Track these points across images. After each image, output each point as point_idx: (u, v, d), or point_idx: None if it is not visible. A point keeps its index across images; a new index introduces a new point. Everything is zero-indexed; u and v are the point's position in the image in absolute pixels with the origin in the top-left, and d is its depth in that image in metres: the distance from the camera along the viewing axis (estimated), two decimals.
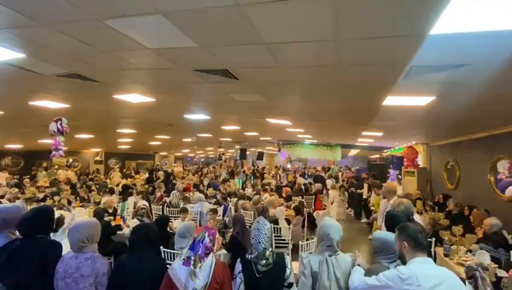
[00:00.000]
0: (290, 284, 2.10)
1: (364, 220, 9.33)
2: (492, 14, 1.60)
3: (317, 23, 1.84)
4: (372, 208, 7.84)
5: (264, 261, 2.04)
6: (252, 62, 2.68)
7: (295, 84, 3.45)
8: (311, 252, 4.06)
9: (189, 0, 1.66)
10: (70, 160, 16.40)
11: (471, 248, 3.80)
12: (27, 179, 10.03)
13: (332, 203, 7.88)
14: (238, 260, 2.11)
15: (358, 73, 2.86)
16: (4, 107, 5.31)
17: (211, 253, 2.00)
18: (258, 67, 2.81)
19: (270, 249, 2.12)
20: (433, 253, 4.26)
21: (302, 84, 3.45)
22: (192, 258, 1.90)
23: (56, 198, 6.17)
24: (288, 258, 2.17)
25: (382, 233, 2.31)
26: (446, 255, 3.92)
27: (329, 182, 10.93)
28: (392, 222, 2.52)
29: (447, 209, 6.05)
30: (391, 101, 3.75)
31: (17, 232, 2.32)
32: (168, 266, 2.15)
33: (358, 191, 10.09)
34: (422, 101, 3.65)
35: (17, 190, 7.31)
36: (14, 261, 2.08)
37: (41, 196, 7.05)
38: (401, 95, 3.50)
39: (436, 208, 6.46)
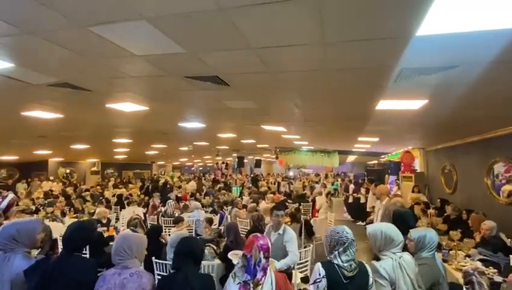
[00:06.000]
0: None
1: (359, 222, 9.63)
2: (478, 14, 1.59)
3: (302, 26, 1.83)
4: (368, 210, 7.98)
5: (351, 266, 1.89)
6: (241, 68, 2.67)
7: (286, 90, 3.44)
8: (307, 261, 3.98)
9: (173, 5, 1.65)
10: (67, 171, 16.29)
11: (469, 252, 3.75)
12: (22, 191, 9.90)
13: (318, 211, 7.87)
14: (319, 263, 1.96)
15: (349, 77, 2.85)
16: None
17: (268, 267, 1.89)
18: (247, 73, 2.80)
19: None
20: None
21: (293, 89, 3.44)
22: (250, 282, 1.80)
23: (49, 209, 6.07)
24: (368, 266, 2.04)
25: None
26: (444, 261, 3.84)
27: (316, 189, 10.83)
28: (402, 219, 2.84)
29: (445, 213, 5.99)
30: (384, 105, 3.74)
31: (33, 252, 2.12)
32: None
33: (355, 195, 10.18)
34: (415, 104, 3.65)
35: None
36: (50, 281, 1.88)
37: (34, 207, 6.94)
38: (393, 99, 3.49)
39: (434, 211, 6.41)
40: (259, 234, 2.01)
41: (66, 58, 2.50)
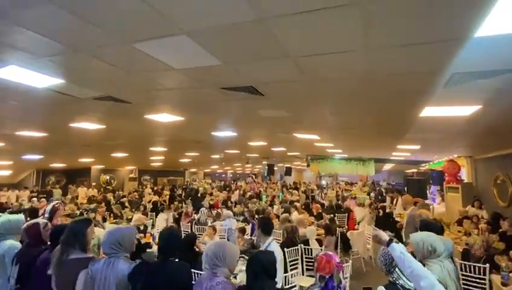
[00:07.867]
0: None
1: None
2: None
3: (345, 32, 1.74)
4: (397, 219, 7.70)
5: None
6: (277, 77, 2.62)
7: (322, 97, 3.32)
8: (346, 277, 3.77)
9: (212, 19, 1.65)
10: (107, 177, 17.33)
11: None
12: (57, 196, 10.69)
13: (359, 223, 7.56)
14: (382, 287, 1.83)
15: (392, 83, 2.67)
16: (48, 130, 5.74)
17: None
18: (283, 81, 2.75)
19: None
20: (487, 281, 3.78)
21: (330, 97, 3.31)
22: None
23: (91, 215, 6.41)
24: None
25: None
26: (504, 285, 3.44)
27: (352, 201, 10.35)
28: (427, 228, 2.69)
29: (500, 230, 5.38)
30: (429, 112, 3.48)
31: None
32: None
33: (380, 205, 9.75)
34: (466, 110, 3.34)
35: None
36: (151, 285, 2.00)
37: (78, 212, 7.39)
38: (441, 105, 3.22)
39: (486, 227, 5.80)
40: (331, 253, 1.90)
41: (110, 73, 2.63)
